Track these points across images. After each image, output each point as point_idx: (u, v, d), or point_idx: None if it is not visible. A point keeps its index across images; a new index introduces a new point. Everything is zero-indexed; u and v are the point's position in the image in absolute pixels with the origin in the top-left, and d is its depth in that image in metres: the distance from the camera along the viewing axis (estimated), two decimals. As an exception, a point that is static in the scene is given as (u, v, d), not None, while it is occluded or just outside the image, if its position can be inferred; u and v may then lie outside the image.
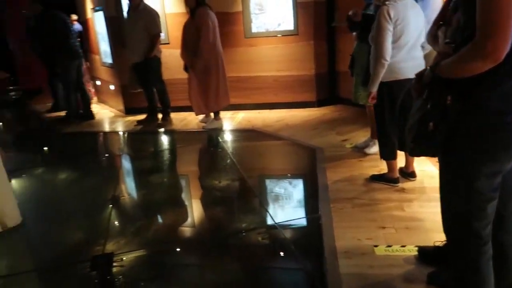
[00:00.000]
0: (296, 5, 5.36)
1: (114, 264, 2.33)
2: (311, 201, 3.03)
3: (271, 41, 5.58)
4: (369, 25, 2.82)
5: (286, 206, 3.02)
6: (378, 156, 3.09)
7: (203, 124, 5.23)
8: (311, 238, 2.53)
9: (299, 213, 2.97)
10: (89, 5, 6.81)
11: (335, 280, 2.01)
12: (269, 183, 3.61)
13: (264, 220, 2.79)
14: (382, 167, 3.15)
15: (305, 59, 5.55)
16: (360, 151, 3.77)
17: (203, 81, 4.87)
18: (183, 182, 3.85)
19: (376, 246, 2.25)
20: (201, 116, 5.35)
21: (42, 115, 6.86)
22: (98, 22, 6.49)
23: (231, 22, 5.57)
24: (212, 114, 5.23)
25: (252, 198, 3.23)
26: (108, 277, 2.24)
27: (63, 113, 6.55)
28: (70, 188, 3.77)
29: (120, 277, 2.23)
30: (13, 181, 3.91)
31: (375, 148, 3.60)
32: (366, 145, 3.76)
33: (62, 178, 4.04)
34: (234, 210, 3.07)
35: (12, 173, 4.04)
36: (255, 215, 2.88)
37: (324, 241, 2.35)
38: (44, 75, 7.21)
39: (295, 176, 3.72)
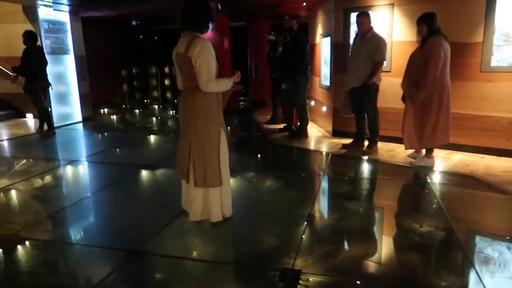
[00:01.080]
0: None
1: (300, 282, 2.36)
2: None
3: (513, 78, 4.75)
4: None
5: (501, 276, 2.46)
6: None
7: (411, 160, 4.85)
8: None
9: (520, 291, 2.38)
10: (319, 31, 7.32)
11: None
12: (482, 242, 3.03)
13: (469, 285, 2.35)
14: None
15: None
16: None
17: (421, 114, 4.51)
18: (378, 216, 3.64)
19: None
20: (411, 151, 4.99)
21: (261, 125, 7.73)
22: (324, 47, 6.90)
23: (467, 53, 5.01)
24: (423, 151, 4.80)
25: (459, 254, 2.77)
26: (292, 293, 2.28)
27: (278, 126, 7.23)
28: (273, 196, 4.07)
29: (303, 296, 2.23)
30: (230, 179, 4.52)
31: None
32: None
33: (268, 185, 4.40)
34: (433, 262, 2.69)
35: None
36: (459, 276, 2.45)
37: None
38: (269, 90, 8.15)
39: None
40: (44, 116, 6.89)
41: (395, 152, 5.29)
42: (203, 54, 2.90)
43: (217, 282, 2.43)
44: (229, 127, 8.23)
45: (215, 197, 3.17)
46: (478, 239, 3.10)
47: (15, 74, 6.71)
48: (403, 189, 4.39)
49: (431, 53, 4.28)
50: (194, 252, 2.81)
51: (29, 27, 7.20)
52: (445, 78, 4.40)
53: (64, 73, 8.07)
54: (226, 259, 2.69)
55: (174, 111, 10.37)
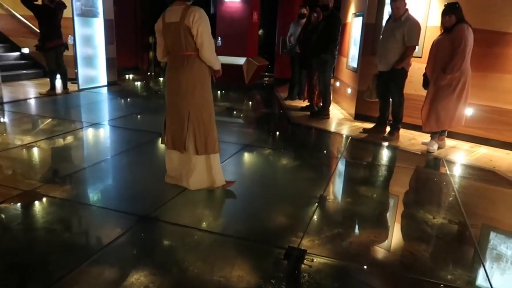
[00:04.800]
0: None
1: (305, 261, 2.37)
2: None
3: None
4: None
5: (510, 274, 2.41)
6: None
7: (427, 147, 4.79)
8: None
9: (529, 293, 2.32)
10: (352, 10, 7.08)
11: None
12: (495, 238, 2.96)
13: (477, 281, 2.31)
14: None
15: None
16: None
17: (444, 96, 4.53)
18: (392, 203, 3.59)
19: None
20: (426, 139, 4.91)
21: (283, 103, 7.65)
22: (355, 26, 6.69)
23: (504, 43, 4.77)
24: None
25: (469, 248, 2.72)
26: (296, 272, 2.29)
27: (301, 104, 7.16)
28: (287, 175, 4.07)
29: (306, 276, 2.25)
30: (245, 155, 4.53)
31: None
32: None
33: (283, 163, 4.39)
34: (441, 254, 2.65)
35: (244, 147, 4.69)
36: (467, 271, 2.41)
37: None
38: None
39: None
40: (51, 75, 7.11)
41: (416, 140, 5.16)
42: (204, 22, 2.97)
43: (223, 254, 2.46)
44: (251, 102, 8.19)
45: (217, 163, 3.28)
46: (491, 235, 3.02)
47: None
48: (420, 179, 4.31)
49: (460, 40, 4.29)
50: (204, 223, 2.85)
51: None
52: (468, 65, 4.45)
53: (92, 36, 8.12)
54: (234, 232, 2.72)
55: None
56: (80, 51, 7.73)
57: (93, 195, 3.27)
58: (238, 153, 4.50)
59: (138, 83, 9.60)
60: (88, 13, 7.97)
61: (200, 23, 2.93)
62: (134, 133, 5.13)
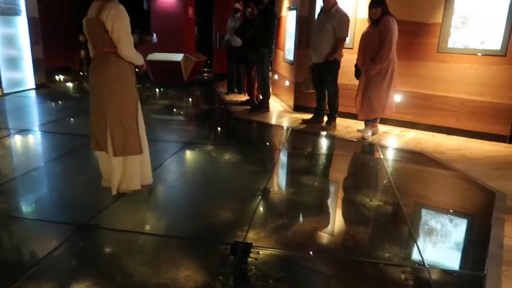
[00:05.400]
0: (511, 22, 4.57)
1: (251, 254, 2.40)
2: (476, 253, 2.56)
3: (467, 60, 4.93)
4: None
5: (441, 247, 2.62)
6: None
7: (362, 134, 5.04)
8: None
9: (456, 261, 2.54)
10: (286, 4, 7.21)
11: None
12: (426, 215, 3.20)
13: (411, 256, 2.49)
14: None
15: (507, 86, 4.73)
16: (559, 211, 3.00)
17: (375, 85, 4.78)
18: (332, 190, 3.74)
19: None
20: (361, 126, 5.16)
21: (223, 98, 7.64)
22: (290, 20, 6.82)
23: (425, 33, 5.13)
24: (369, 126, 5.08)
25: (403, 227, 2.91)
26: (243, 266, 2.32)
27: (240, 98, 7.18)
28: (230, 170, 4.09)
29: (253, 268, 2.28)
30: (187, 152, 4.48)
31: None
32: None
33: (226, 158, 4.39)
34: (379, 235, 2.81)
35: (186, 145, 4.63)
36: (402, 248, 2.58)
37: (483, 309, 1.94)
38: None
39: (461, 216, 3.21)
40: None
41: (352, 128, 5.40)
42: (121, 18, 2.87)
43: (168, 256, 2.43)
44: (190, 99, 8.09)
45: (135, 166, 3.15)
46: (422, 213, 3.26)
47: None
48: (357, 164, 4.53)
49: (386, 32, 4.55)
50: (147, 226, 2.79)
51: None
52: (395, 54, 4.73)
53: (15, 36, 7.54)
54: (178, 233, 2.69)
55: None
56: (2, 52, 7.15)
57: (26, 207, 3.06)
58: (180, 152, 4.43)
59: (69, 84, 9.08)
60: (8, 11, 7.38)
61: (115, 19, 2.83)
62: (67, 138, 4.86)
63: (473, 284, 2.22)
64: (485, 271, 2.27)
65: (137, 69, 3.17)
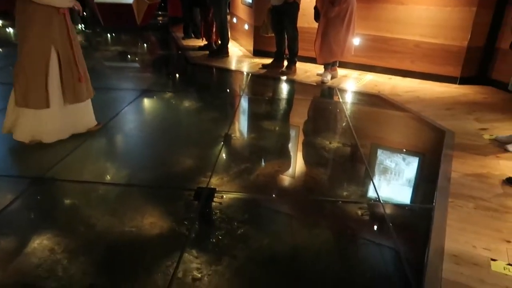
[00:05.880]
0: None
1: (215, 199, 2.43)
2: (426, 188, 2.73)
3: (423, 1, 4.95)
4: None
5: (395, 184, 2.78)
6: (524, 158, 2.60)
7: (321, 78, 5.07)
8: (417, 229, 2.30)
9: (408, 196, 2.71)
10: None
11: (433, 282, 1.80)
12: (382, 155, 3.35)
13: (367, 194, 2.63)
14: (525, 171, 2.66)
15: (459, 28, 4.84)
16: (501, 146, 3.23)
17: (334, 28, 4.75)
18: (293, 134, 3.80)
19: (494, 260, 1.94)
20: (320, 70, 5.18)
21: (180, 43, 7.34)
22: (245, -42, 6.48)
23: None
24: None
25: (361, 167, 3.04)
26: (207, 210, 2.36)
27: (198, 44, 6.92)
28: (191, 117, 4.03)
29: (217, 212, 2.32)
30: (145, 100, 4.34)
31: (521, 148, 3.06)
32: (510, 141, 3.20)
33: (185, 105, 4.31)
34: (338, 175, 2.93)
35: (143, 93, 4.47)
36: (359, 187, 2.71)
37: (431, 237, 2.11)
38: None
39: (414, 154, 3.38)
40: None
41: (311, 72, 5.42)
42: None
43: (131, 204, 2.41)
44: (145, 44, 7.71)
45: (43, 118, 2.99)
46: (378, 152, 3.41)
47: None
48: (316, 108, 4.60)
49: None
50: (107, 176, 2.73)
51: None
52: None
53: None
54: (141, 181, 2.66)
55: (82, 25, 9.36)
56: None
57: (-27, 162, 2.89)
58: (137, 100, 4.28)
59: (10, 30, 8.34)
60: None
61: None
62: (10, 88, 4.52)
63: (423, 216, 2.38)
64: (434, 204, 2.44)
65: (76, 13, 2.98)
